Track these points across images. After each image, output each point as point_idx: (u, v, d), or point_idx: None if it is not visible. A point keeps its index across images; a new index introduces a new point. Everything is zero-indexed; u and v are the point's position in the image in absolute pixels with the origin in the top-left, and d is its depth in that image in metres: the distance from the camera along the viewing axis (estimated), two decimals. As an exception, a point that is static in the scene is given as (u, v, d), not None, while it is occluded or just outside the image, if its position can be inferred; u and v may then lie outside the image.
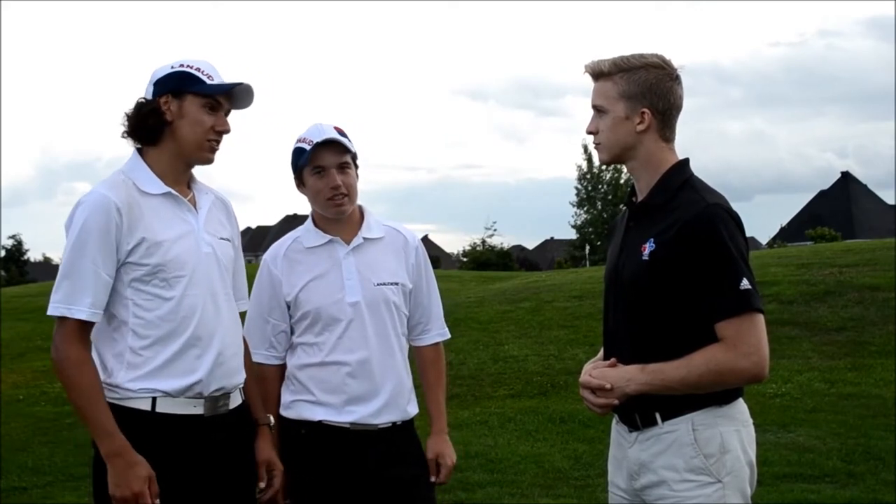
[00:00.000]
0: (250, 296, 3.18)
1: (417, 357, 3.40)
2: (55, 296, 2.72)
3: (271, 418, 3.11)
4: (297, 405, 3.18)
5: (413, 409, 3.26)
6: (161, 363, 2.74)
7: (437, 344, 3.40)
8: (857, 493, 6.08)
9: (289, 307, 3.21)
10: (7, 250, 56.01)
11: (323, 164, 3.15)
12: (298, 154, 3.19)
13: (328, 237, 3.23)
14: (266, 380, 3.17)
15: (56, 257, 67.38)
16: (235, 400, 2.90)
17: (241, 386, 2.94)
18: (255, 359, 3.16)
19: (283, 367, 3.25)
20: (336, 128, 3.20)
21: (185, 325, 2.76)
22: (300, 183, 3.23)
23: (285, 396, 3.22)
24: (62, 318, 2.70)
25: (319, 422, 3.14)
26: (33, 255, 62.36)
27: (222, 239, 2.92)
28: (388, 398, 3.16)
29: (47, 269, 59.91)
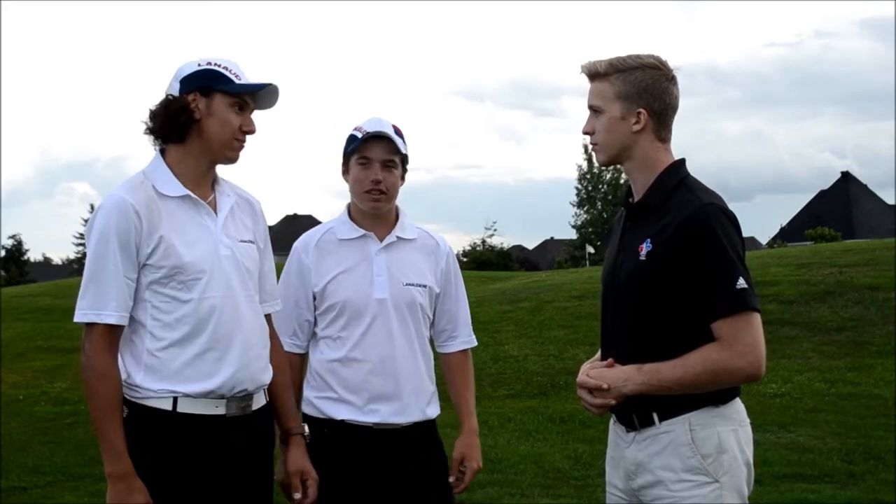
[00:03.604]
0: (279, 282, 3.12)
1: (444, 363, 3.38)
2: (82, 302, 2.68)
3: (306, 427, 3.05)
4: (320, 402, 3.16)
5: (434, 411, 3.24)
6: (180, 366, 2.71)
7: (464, 350, 3.39)
8: (857, 493, 6.08)
9: (315, 297, 3.19)
10: (7, 250, 55.91)
11: (369, 156, 3.16)
12: (350, 141, 3.20)
13: (362, 231, 3.22)
14: (290, 366, 3.10)
15: (56, 257, 67.37)
16: (259, 401, 2.86)
17: (266, 387, 2.89)
18: None
19: (304, 356, 3.24)
20: (394, 126, 3.20)
21: (202, 328, 2.73)
22: (346, 170, 3.24)
23: (307, 392, 3.20)
24: (90, 325, 2.67)
25: (342, 421, 3.13)
26: (33, 255, 62.29)
27: (243, 241, 2.87)
28: (409, 398, 3.15)
29: (47, 269, 59.89)
